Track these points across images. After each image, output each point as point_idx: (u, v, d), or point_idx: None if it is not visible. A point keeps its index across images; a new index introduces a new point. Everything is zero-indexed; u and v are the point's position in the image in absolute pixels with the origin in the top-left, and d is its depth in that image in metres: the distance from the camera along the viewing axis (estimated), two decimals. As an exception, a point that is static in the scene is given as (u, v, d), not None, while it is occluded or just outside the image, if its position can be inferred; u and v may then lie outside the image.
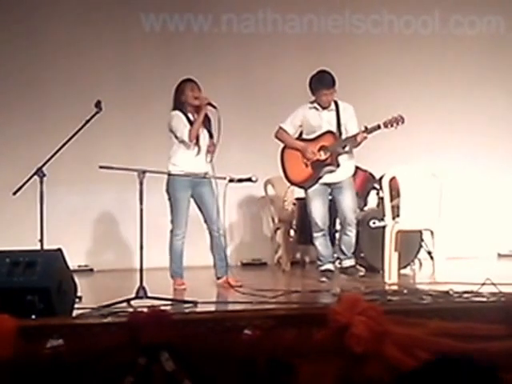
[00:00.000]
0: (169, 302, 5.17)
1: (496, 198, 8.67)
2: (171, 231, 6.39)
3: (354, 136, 6.51)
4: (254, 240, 8.59)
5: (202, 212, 6.43)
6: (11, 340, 3.67)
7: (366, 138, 6.49)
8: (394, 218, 6.56)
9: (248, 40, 8.55)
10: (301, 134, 6.83)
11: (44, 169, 5.68)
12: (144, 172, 5.40)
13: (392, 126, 6.50)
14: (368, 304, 3.76)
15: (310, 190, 6.74)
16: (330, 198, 6.87)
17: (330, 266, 6.79)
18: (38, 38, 8.22)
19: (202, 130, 6.36)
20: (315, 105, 6.69)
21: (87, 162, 7.54)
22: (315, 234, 6.77)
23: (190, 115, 6.37)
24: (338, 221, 7.03)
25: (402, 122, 6.51)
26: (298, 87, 7.67)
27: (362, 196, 7.52)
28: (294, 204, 7.79)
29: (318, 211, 6.72)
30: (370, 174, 7.58)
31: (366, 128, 6.50)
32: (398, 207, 6.59)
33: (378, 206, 7.54)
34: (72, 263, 4.95)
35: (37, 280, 4.36)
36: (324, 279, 6.63)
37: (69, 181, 7.97)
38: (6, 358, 3.62)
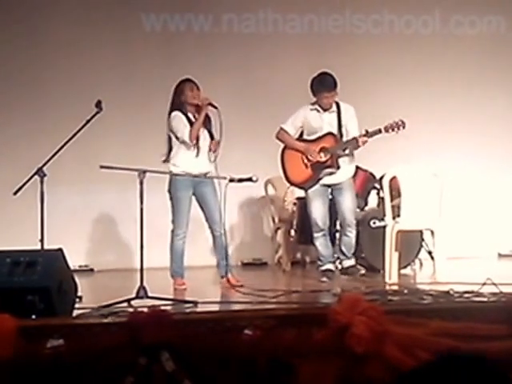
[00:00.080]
0: (169, 302, 5.16)
1: (496, 198, 8.67)
2: (172, 231, 6.39)
3: (355, 139, 6.51)
4: (254, 240, 8.59)
5: (203, 212, 6.43)
6: (11, 340, 3.67)
7: (366, 141, 6.49)
8: (394, 218, 6.55)
9: (248, 40, 8.56)
10: (301, 133, 6.83)
11: (44, 169, 5.68)
12: (144, 172, 5.40)
13: (393, 130, 6.51)
14: (368, 304, 3.76)
15: (310, 191, 6.74)
16: (330, 197, 6.86)
17: (330, 266, 6.79)
18: (39, 37, 8.23)
19: (202, 131, 6.36)
20: (316, 106, 6.68)
21: (88, 161, 7.55)
22: (315, 234, 6.77)
23: (190, 115, 6.38)
24: (338, 221, 7.02)
25: (403, 127, 6.51)
26: (299, 87, 7.66)
27: (362, 196, 7.52)
28: (295, 204, 7.79)
29: (319, 211, 6.72)
30: (371, 174, 7.58)
31: (367, 132, 6.50)
32: (398, 207, 6.59)
33: (378, 205, 7.54)
34: (72, 263, 4.95)
35: (37, 280, 4.36)
36: (324, 279, 6.63)
37: (69, 181, 7.98)
38: (6, 358, 3.62)
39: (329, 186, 6.75)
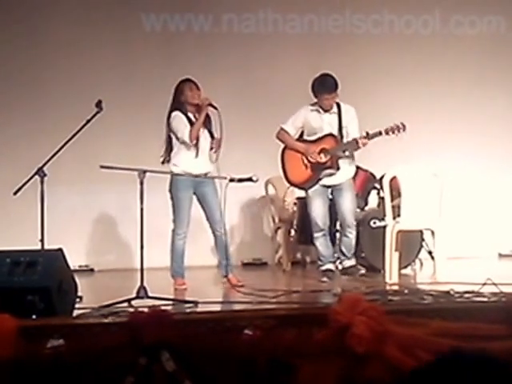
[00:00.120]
0: (169, 302, 5.16)
1: (497, 198, 8.67)
2: (173, 230, 6.39)
3: (355, 140, 6.51)
4: (254, 240, 8.59)
5: (204, 212, 6.44)
6: (12, 340, 3.67)
7: (366, 143, 6.49)
8: (394, 218, 6.55)
9: (248, 40, 8.56)
10: (302, 133, 6.83)
11: (45, 169, 5.68)
12: (145, 172, 5.40)
13: (393, 132, 6.52)
14: (369, 304, 3.76)
15: (310, 191, 6.73)
16: (330, 197, 6.86)
17: (330, 266, 6.79)
18: (39, 37, 8.23)
19: (202, 131, 6.36)
20: (317, 107, 6.68)
21: (88, 161, 7.54)
22: (316, 234, 6.77)
23: (190, 115, 6.38)
24: (338, 222, 7.02)
25: (404, 130, 6.51)
26: (299, 87, 7.66)
27: (362, 196, 7.52)
28: (295, 204, 7.79)
29: (319, 211, 6.72)
30: (371, 174, 7.58)
31: (368, 134, 6.50)
32: (398, 207, 6.59)
33: (378, 205, 7.54)
34: (72, 263, 4.95)
35: (37, 280, 4.36)
36: (325, 279, 6.62)
37: (69, 181, 7.97)
38: (6, 358, 3.62)
39: (329, 186, 6.75)
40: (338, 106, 6.68)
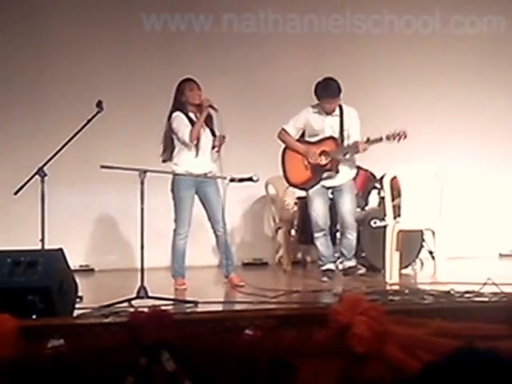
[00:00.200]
0: (170, 302, 5.16)
1: (497, 198, 8.67)
2: (174, 230, 6.39)
3: (356, 145, 6.50)
4: (254, 240, 8.59)
5: (206, 211, 6.44)
6: (12, 340, 3.67)
7: (366, 148, 6.49)
8: (395, 218, 6.56)
9: (249, 40, 8.55)
10: (303, 133, 6.82)
11: (45, 168, 5.68)
12: (145, 172, 5.40)
13: (394, 139, 6.50)
14: (369, 304, 3.76)
15: (310, 191, 6.73)
16: (330, 197, 6.86)
17: (331, 266, 6.79)
18: (39, 38, 8.23)
19: (203, 130, 6.36)
20: (319, 109, 6.67)
21: (88, 161, 7.54)
22: (316, 234, 6.76)
23: (191, 115, 6.38)
24: (338, 222, 7.02)
25: (405, 138, 6.49)
26: (299, 87, 7.68)
27: (363, 195, 7.53)
28: (296, 204, 7.79)
29: (319, 211, 6.72)
30: (371, 174, 7.59)
31: (369, 139, 6.49)
32: (399, 207, 6.59)
33: (379, 205, 7.54)
34: (73, 263, 4.95)
35: (38, 280, 4.36)
36: (325, 279, 6.62)
37: (70, 180, 7.97)
38: (6, 358, 3.62)
39: (329, 187, 6.76)
40: (340, 108, 6.67)
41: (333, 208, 6.86)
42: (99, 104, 5.68)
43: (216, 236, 6.46)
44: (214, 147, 6.41)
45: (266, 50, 8.56)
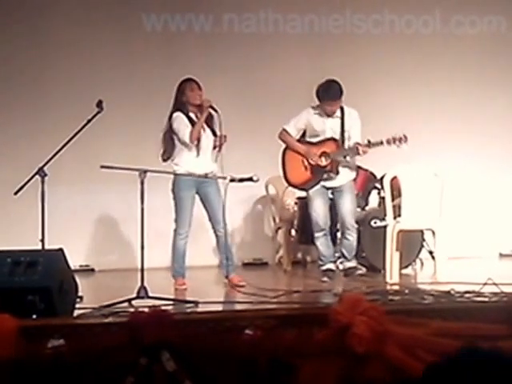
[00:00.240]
0: (170, 302, 5.16)
1: (497, 198, 8.67)
2: (175, 230, 6.39)
3: (356, 147, 6.49)
4: (255, 240, 8.59)
5: (207, 211, 6.44)
6: (12, 340, 3.67)
7: (366, 151, 6.49)
8: (395, 218, 6.56)
9: (249, 40, 8.55)
10: (304, 133, 6.81)
11: (45, 168, 5.69)
12: (145, 172, 5.41)
13: (395, 143, 6.50)
14: (369, 304, 3.76)
15: (311, 191, 6.73)
16: (331, 197, 6.86)
17: (331, 266, 6.79)
18: (39, 38, 8.22)
19: (204, 131, 6.35)
20: (320, 111, 6.67)
21: (88, 161, 7.54)
22: (316, 234, 6.76)
23: (192, 115, 6.38)
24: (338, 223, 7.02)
25: (406, 142, 6.50)
26: (299, 87, 7.68)
27: (363, 195, 7.52)
28: (296, 204, 7.79)
29: (320, 211, 6.71)
30: (371, 174, 7.58)
31: (369, 142, 6.49)
32: (399, 207, 6.59)
33: (379, 205, 7.54)
34: (73, 263, 4.96)
35: (38, 280, 4.36)
36: (325, 279, 6.62)
37: (70, 180, 7.97)
38: (6, 358, 3.62)
39: (329, 188, 6.75)
40: (342, 109, 6.66)
41: (333, 208, 6.86)
42: (99, 104, 5.68)
43: (216, 236, 6.46)
44: (215, 147, 6.41)
45: (266, 50, 8.55)
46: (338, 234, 7.13)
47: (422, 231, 7.14)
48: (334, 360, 3.63)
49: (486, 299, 4.68)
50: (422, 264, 7.66)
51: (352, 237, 6.71)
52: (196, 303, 5.11)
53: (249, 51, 8.56)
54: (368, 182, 7.56)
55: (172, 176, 6.31)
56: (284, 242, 7.95)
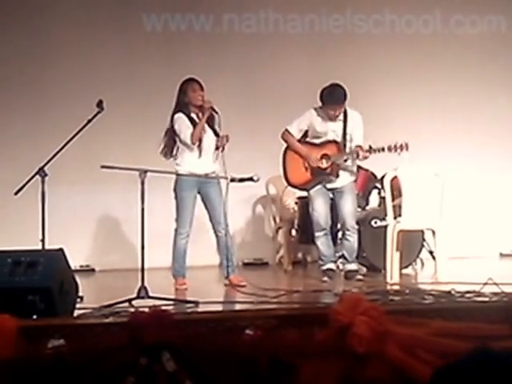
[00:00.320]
0: (170, 302, 5.16)
1: (498, 198, 8.67)
2: (175, 230, 6.39)
3: (357, 152, 6.48)
4: (255, 240, 8.58)
5: (208, 212, 6.44)
6: (12, 340, 3.67)
7: (367, 157, 6.49)
8: (395, 218, 6.55)
9: (249, 40, 8.55)
10: (306, 132, 6.80)
11: (46, 168, 5.68)
12: (146, 172, 5.40)
13: (396, 151, 6.49)
14: (370, 304, 3.76)
15: (312, 190, 6.73)
16: (331, 196, 6.85)
17: (331, 266, 6.78)
18: (40, 38, 8.22)
19: (206, 130, 6.35)
20: (322, 114, 6.65)
21: (89, 161, 7.54)
22: (317, 234, 6.75)
23: (193, 115, 6.38)
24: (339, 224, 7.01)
25: (407, 150, 6.49)
26: (300, 87, 7.69)
27: (363, 195, 7.52)
28: (296, 203, 7.79)
29: (321, 210, 6.71)
30: (372, 174, 7.58)
31: (371, 147, 6.48)
32: (399, 207, 6.59)
33: (379, 205, 7.54)
34: (73, 263, 4.95)
35: (38, 280, 4.36)
36: (326, 279, 6.62)
37: (70, 180, 7.97)
38: (7, 358, 3.62)
39: (330, 189, 6.75)
40: (345, 112, 6.64)
41: (334, 209, 6.85)
42: (100, 104, 5.68)
43: (217, 237, 6.46)
44: (217, 148, 6.40)
45: (266, 49, 8.55)
46: (339, 234, 7.12)
47: (422, 231, 7.14)
48: (335, 360, 3.63)
49: (487, 299, 4.68)
50: (423, 264, 7.66)
51: (353, 238, 6.70)
52: (196, 303, 5.10)
53: (249, 51, 8.56)
54: (368, 182, 7.56)
55: (173, 176, 6.31)
56: (284, 241, 7.95)
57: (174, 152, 6.41)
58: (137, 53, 8.41)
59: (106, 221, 8.34)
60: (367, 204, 7.64)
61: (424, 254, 7.53)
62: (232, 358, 3.70)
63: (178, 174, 6.30)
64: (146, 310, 4.21)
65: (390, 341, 3.58)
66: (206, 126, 6.35)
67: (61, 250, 4.60)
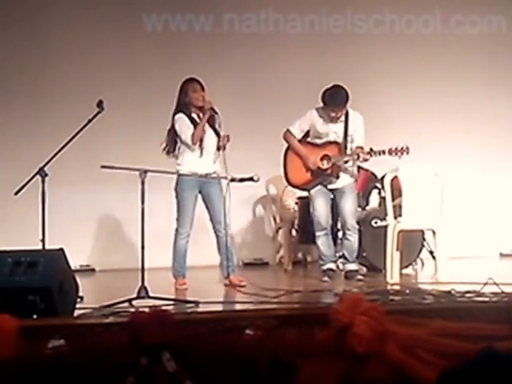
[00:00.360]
0: (170, 302, 5.16)
1: (498, 198, 8.67)
2: (176, 230, 6.39)
3: (357, 154, 6.48)
4: (255, 240, 8.59)
5: (208, 212, 6.44)
6: (13, 340, 3.67)
7: (367, 159, 6.50)
8: (395, 218, 6.55)
9: (249, 40, 8.55)
10: (308, 132, 6.80)
11: (46, 168, 5.68)
12: (146, 171, 5.40)
13: (396, 154, 6.50)
14: (370, 304, 3.76)
15: (312, 190, 6.73)
16: (332, 197, 6.86)
17: (331, 266, 6.78)
18: (40, 38, 8.23)
19: (207, 130, 6.35)
20: (324, 115, 6.65)
21: (89, 161, 7.54)
22: (318, 233, 6.75)
23: (194, 116, 6.38)
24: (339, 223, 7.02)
25: (407, 153, 6.50)
26: (299, 87, 7.69)
27: (363, 195, 7.53)
28: (296, 203, 7.79)
29: (321, 210, 6.71)
30: (372, 174, 7.58)
31: (371, 150, 6.48)
32: (399, 207, 6.59)
33: (379, 205, 7.54)
34: (74, 263, 4.95)
35: (38, 280, 4.36)
36: (326, 279, 6.62)
37: (71, 180, 7.97)
38: (7, 358, 3.61)
39: (330, 189, 6.75)
40: (346, 113, 6.64)
41: (334, 209, 6.85)
42: (100, 104, 5.68)
43: (217, 237, 6.46)
44: (219, 148, 6.39)
45: (266, 50, 8.56)
46: (339, 234, 7.13)
47: (422, 231, 7.15)
48: (335, 360, 3.63)
49: (487, 299, 4.67)
50: (423, 264, 7.67)
51: (353, 238, 6.71)
52: (197, 303, 5.10)
53: (249, 51, 8.56)
54: (369, 182, 7.56)
55: (172, 176, 6.31)
56: (284, 241, 7.95)
57: (176, 151, 6.41)
58: (137, 53, 8.41)
59: (107, 221, 8.34)
60: (367, 204, 7.64)
61: (424, 253, 7.53)
62: (232, 358, 3.70)
63: (178, 174, 6.30)
64: (146, 309, 4.20)
65: (390, 341, 3.58)
66: (207, 125, 6.36)
67: (61, 249, 4.60)
